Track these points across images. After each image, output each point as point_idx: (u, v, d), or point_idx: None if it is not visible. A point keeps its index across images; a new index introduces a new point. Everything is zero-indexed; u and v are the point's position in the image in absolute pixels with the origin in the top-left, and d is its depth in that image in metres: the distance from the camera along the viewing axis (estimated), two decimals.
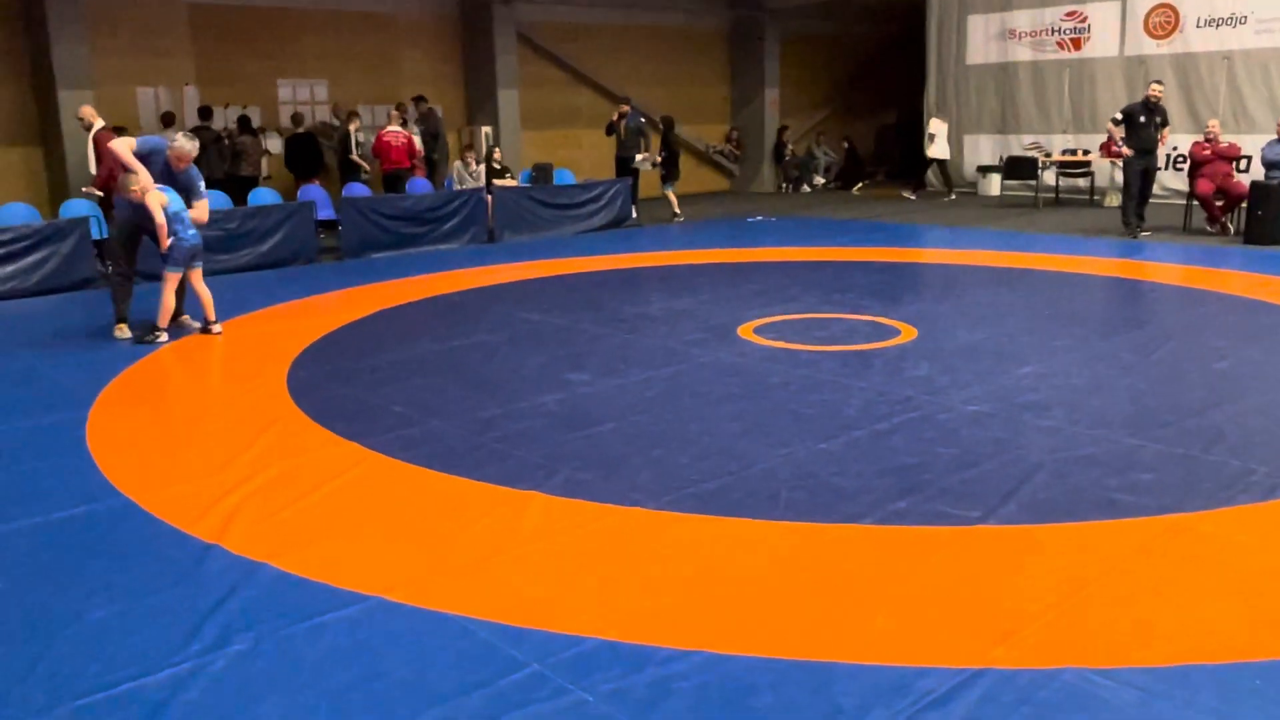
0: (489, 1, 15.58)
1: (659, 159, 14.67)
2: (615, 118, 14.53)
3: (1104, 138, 15.12)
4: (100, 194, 10.38)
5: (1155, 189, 12.71)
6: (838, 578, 3.48)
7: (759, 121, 19.77)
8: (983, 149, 17.80)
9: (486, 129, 15.52)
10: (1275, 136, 11.67)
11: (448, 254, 11.65)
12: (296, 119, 13.86)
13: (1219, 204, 11.92)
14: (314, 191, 12.60)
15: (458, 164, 13.76)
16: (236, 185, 12.49)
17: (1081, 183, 16.07)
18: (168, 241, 7.16)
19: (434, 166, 14.32)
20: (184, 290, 7.59)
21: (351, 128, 13.64)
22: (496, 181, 13.35)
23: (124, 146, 7.32)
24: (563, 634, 3.11)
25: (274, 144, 14.19)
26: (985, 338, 6.94)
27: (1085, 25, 16.32)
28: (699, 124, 19.32)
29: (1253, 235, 11.10)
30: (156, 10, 13.26)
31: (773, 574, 3.51)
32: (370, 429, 5.13)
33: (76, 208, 10.38)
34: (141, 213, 7.18)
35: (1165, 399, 5.44)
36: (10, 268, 9.22)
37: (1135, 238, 11.77)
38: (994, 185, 16.88)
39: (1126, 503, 4.01)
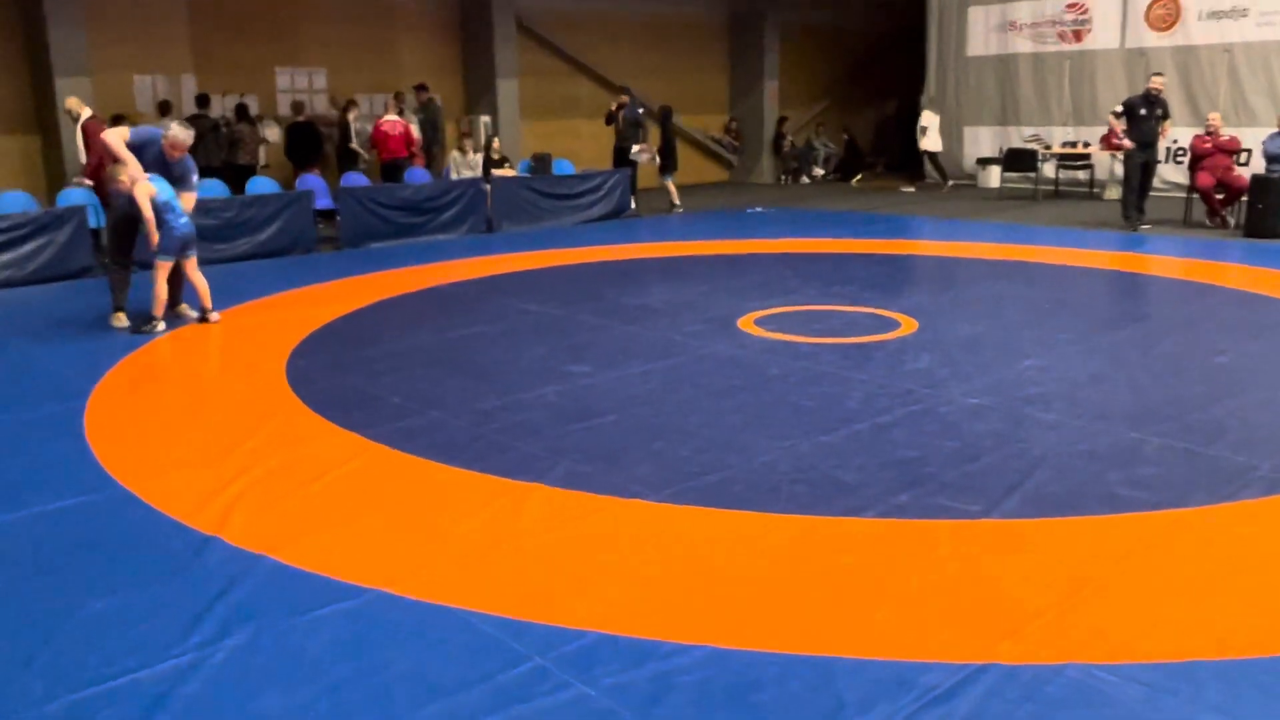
0: None
1: (654, 152, 14.59)
2: (614, 108, 14.48)
3: (1104, 130, 15.08)
4: (90, 183, 10.34)
5: (1155, 182, 12.68)
6: (839, 571, 3.47)
7: (758, 112, 19.73)
8: (982, 141, 17.76)
9: (485, 118, 15.46)
10: (1276, 129, 11.65)
11: (446, 244, 11.61)
12: (297, 107, 13.79)
13: (1219, 197, 11.90)
14: (312, 181, 12.55)
15: (454, 153, 13.72)
16: (234, 174, 12.44)
17: (1081, 175, 16.05)
18: (156, 235, 7.12)
19: (433, 156, 14.27)
20: (180, 279, 7.55)
21: (350, 116, 13.58)
22: (495, 171, 13.31)
23: (116, 137, 7.28)
24: (564, 627, 3.09)
25: (272, 132, 14.13)
26: (986, 331, 6.93)
27: (1086, 17, 16.29)
28: (698, 114, 19.27)
29: (1253, 229, 11.08)
30: None
31: (774, 567, 3.50)
32: (370, 420, 5.11)
33: (73, 196, 10.32)
34: (136, 203, 7.14)
35: (1167, 393, 5.42)
36: (7, 256, 9.18)
37: (1135, 231, 11.75)
38: (993, 177, 16.85)
39: (1129, 497, 4.00)
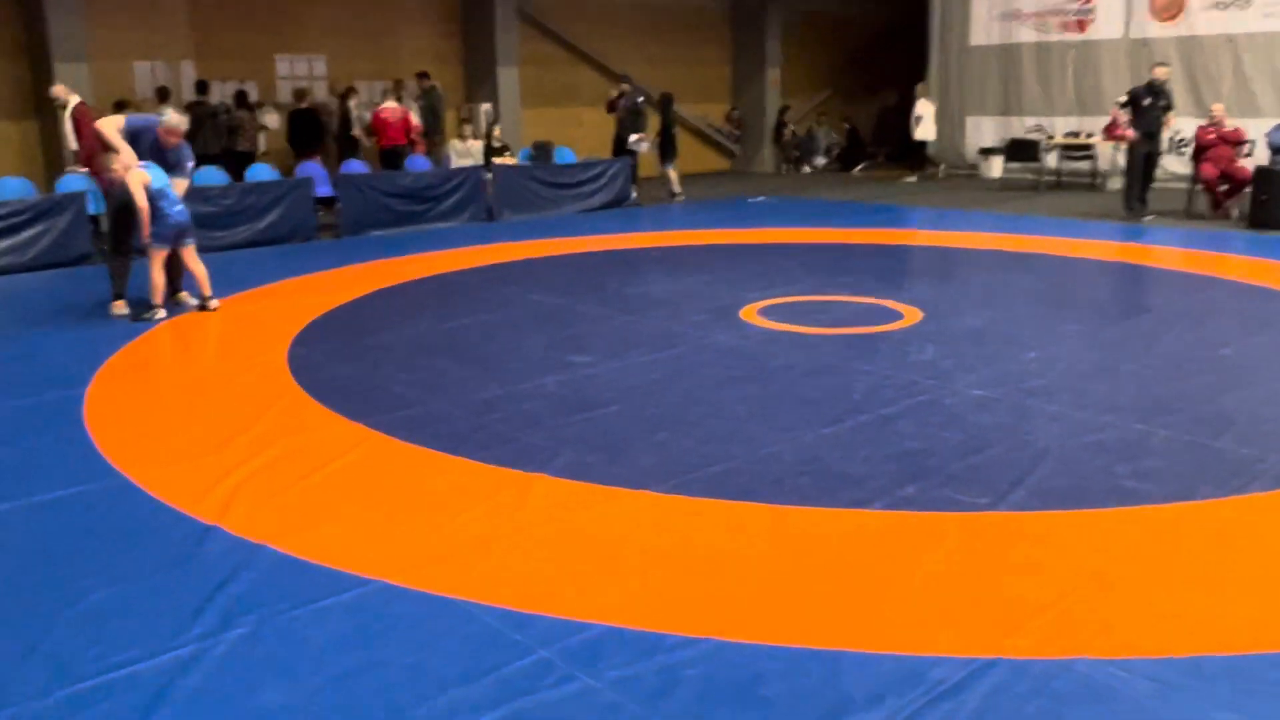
0: None
1: (650, 141, 14.51)
2: (615, 95, 14.41)
3: (1107, 120, 15.02)
4: (85, 170, 10.30)
5: (1158, 173, 12.63)
6: (845, 564, 3.44)
7: (760, 101, 19.65)
8: (985, 131, 17.69)
9: (486, 106, 15.39)
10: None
11: (447, 232, 11.57)
12: (300, 94, 13.71)
13: (1223, 189, 11.85)
14: (312, 168, 12.49)
15: (454, 140, 13.65)
16: (233, 161, 12.38)
17: (1083, 166, 15.98)
18: (148, 227, 7.08)
19: (433, 144, 14.21)
20: (180, 267, 7.51)
21: (351, 104, 13.52)
22: (496, 160, 13.25)
23: (110, 125, 7.23)
24: (569, 619, 3.07)
25: (271, 119, 14.06)
26: (990, 322, 6.90)
27: (1090, 7, 16.20)
28: (700, 103, 19.19)
29: (1257, 220, 11.04)
30: None
31: (780, 560, 3.47)
32: (372, 409, 5.08)
33: (73, 183, 10.28)
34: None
35: (1172, 385, 5.39)
36: (6, 243, 9.14)
37: (1138, 222, 11.71)
38: (995, 167, 16.78)
39: (1136, 490, 3.97)
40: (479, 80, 16.03)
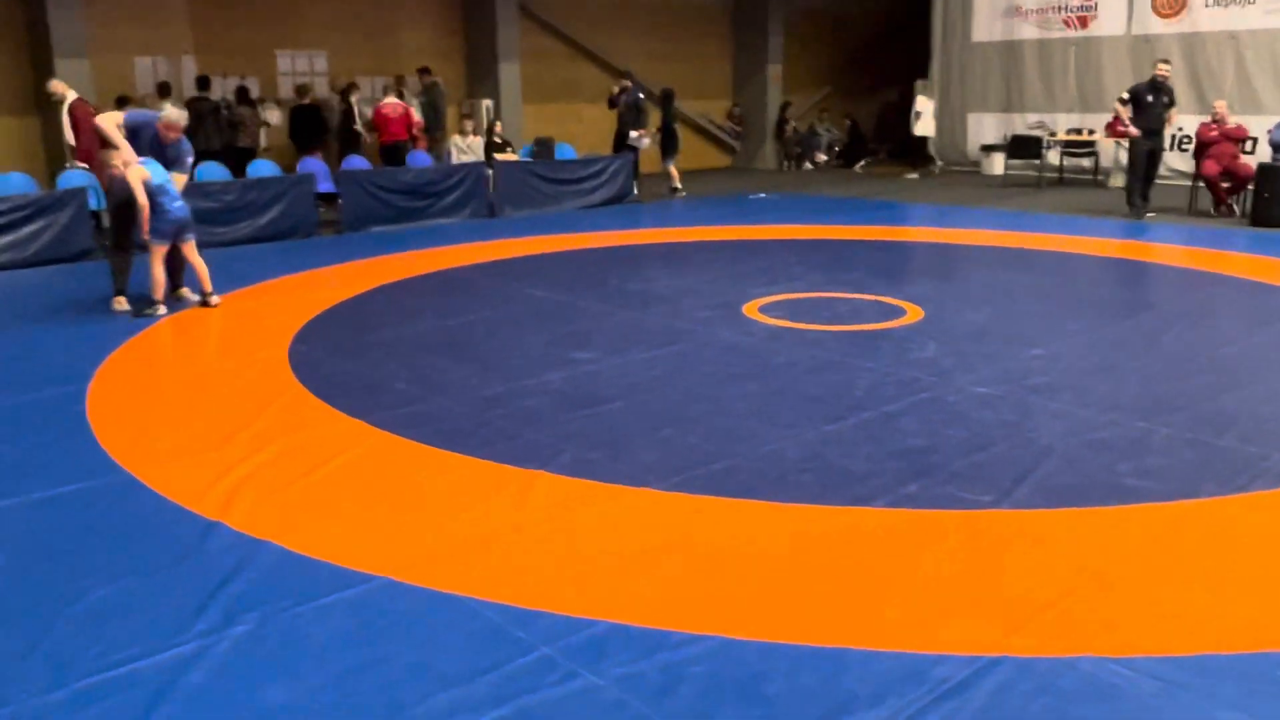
0: None
1: (650, 137, 14.47)
2: (616, 91, 14.38)
3: (1109, 117, 15.00)
4: (85, 166, 10.29)
5: (1160, 170, 12.60)
6: (849, 561, 3.44)
7: (762, 97, 19.62)
8: (986, 127, 17.67)
9: (487, 102, 15.37)
10: None
11: (448, 228, 11.55)
12: (302, 90, 13.69)
13: (1225, 186, 11.84)
14: (313, 164, 12.48)
15: (455, 136, 13.63)
16: (234, 157, 12.37)
17: (1085, 163, 15.97)
18: (148, 223, 7.06)
19: (434, 140, 14.18)
20: (181, 263, 7.50)
21: (353, 99, 13.51)
22: (497, 155, 13.24)
23: (109, 121, 7.22)
24: (572, 616, 3.06)
25: (273, 115, 14.05)
26: (992, 319, 6.89)
27: (1092, 4, 16.17)
28: (701, 99, 19.16)
29: (1259, 217, 11.03)
30: None
31: (783, 557, 3.47)
32: (374, 405, 5.08)
33: (74, 178, 10.26)
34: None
35: (1175, 383, 5.39)
36: (7, 238, 9.12)
37: (1140, 219, 11.69)
38: (997, 164, 16.76)
39: (1139, 488, 3.97)
40: (480, 76, 16.01)
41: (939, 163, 17.50)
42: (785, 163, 19.66)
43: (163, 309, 7.23)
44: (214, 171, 11.35)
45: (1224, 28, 14.75)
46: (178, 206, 7.23)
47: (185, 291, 7.62)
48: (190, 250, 7.38)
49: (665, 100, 14.70)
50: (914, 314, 6.97)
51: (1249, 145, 12.56)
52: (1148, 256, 9.64)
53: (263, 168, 11.91)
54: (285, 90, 14.34)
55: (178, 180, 7.36)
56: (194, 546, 3.58)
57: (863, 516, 3.77)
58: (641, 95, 14.50)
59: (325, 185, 12.10)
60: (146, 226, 7.10)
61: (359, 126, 13.44)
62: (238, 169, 11.82)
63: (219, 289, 7.63)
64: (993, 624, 3.00)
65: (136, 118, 7.39)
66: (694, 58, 19.00)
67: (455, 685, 2.73)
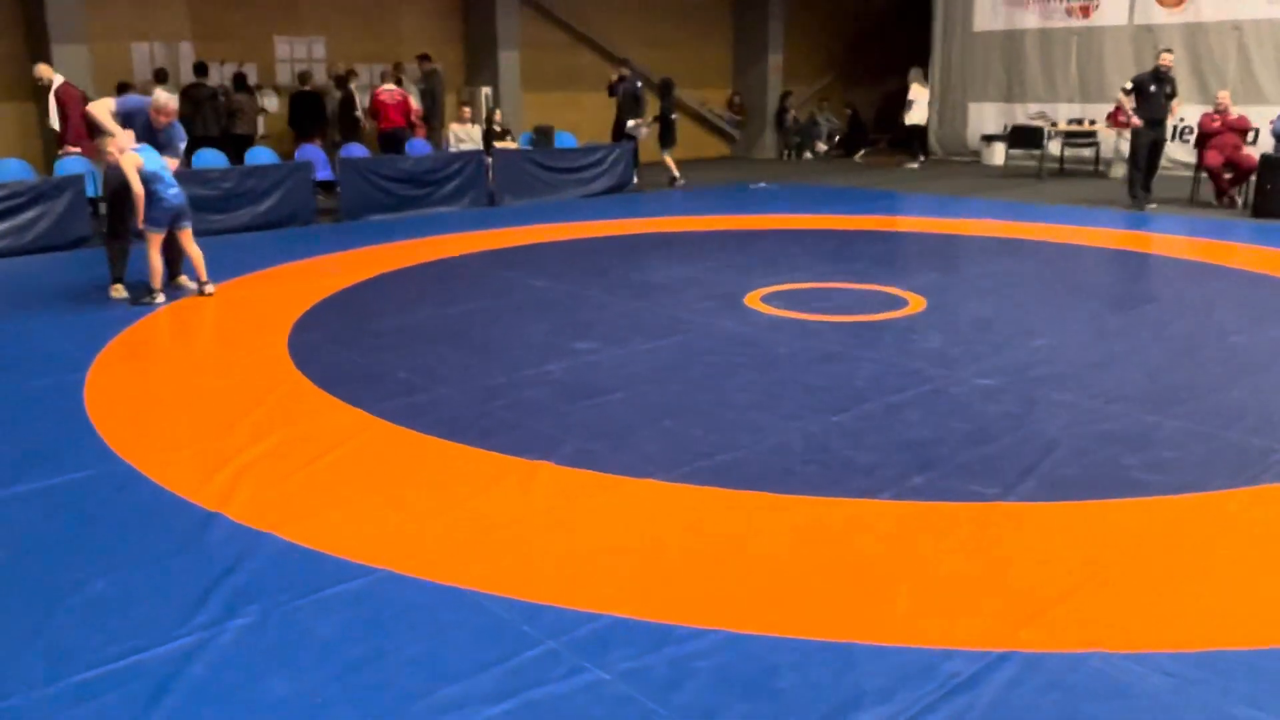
0: None
1: (648, 126, 14.40)
2: (615, 79, 14.31)
3: (1111, 107, 14.95)
4: (77, 150, 10.22)
5: (1161, 160, 12.55)
6: (856, 554, 3.41)
7: (762, 86, 19.54)
8: (987, 117, 17.62)
9: (486, 90, 15.30)
10: None
11: (447, 217, 11.50)
12: (304, 77, 13.61)
13: (1228, 176, 11.80)
14: (311, 151, 12.42)
15: (453, 124, 13.56)
16: (232, 143, 12.30)
17: (1086, 153, 15.92)
18: (143, 211, 7.00)
19: (432, 128, 14.11)
20: (179, 251, 7.45)
21: (353, 86, 13.43)
22: (497, 144, 13.17)
23: (102, 108, 7.16)
24: (577, 610, 3.03)
25: (270, 102, 13.97)
26: (995, 310, 6.85)
27: None
28: (701, 88, 19.08)
29: (1261, 208, 11.00)
30: None
31: (789, 550, 3.44)
32: (375, 395, 5.04)
33: (71, 165, 10.20)
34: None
35: (1181, 375, 5.36)
36: (4, 225, 9.06)
37: (1142, 210, 11.65)
38: (998, 154, 16.73)
39: (1147, 481, 3.94)
40: (479, 63, 15.92)
41: (933, 152, 17.38)
42: (785, 152, 19.60)
43: (161, 297, 7.18)
44: (212, 158, 11.29)
45: (1227, 17, 14.70)
46: (173, 194, 7.16)
47: (184, 280, 7.57)
48: (187, 238, 7.33)
49: (664, 90, 14.63)
50: (916, 304, 6.94)
51: (1249, 135, 12.51)
52: (1150, 248, 9.60)
53: (261, 155, 11.85)
54: (283, 77, 14.26)
55: (170, 165, 7.29)
56: (194, 537, 3.54)
57: (868, 509, 3.74)
58: (640, 84, 14.42)
59: (324, 173, 12.05)
60: (142, 213, 7.05)
61: (360, 113, 13.37)
62: (236, 156, 11.75)
63: (217, 277, 7.58)
64: (1002, 618, 2.97)
65: (128, 104, 7.33)
66: (694, 46, 18.92)
67: (460, 679, 2.70)
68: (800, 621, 2.98)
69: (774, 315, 6.67)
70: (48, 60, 11.20)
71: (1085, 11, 16.24)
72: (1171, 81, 11.74)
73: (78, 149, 10.30)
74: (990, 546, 3.45)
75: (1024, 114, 16.77)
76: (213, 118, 12.51)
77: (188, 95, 12.40)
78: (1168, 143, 13.13)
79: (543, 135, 14.12)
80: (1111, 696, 2.60)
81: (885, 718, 2.53)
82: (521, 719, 2.54)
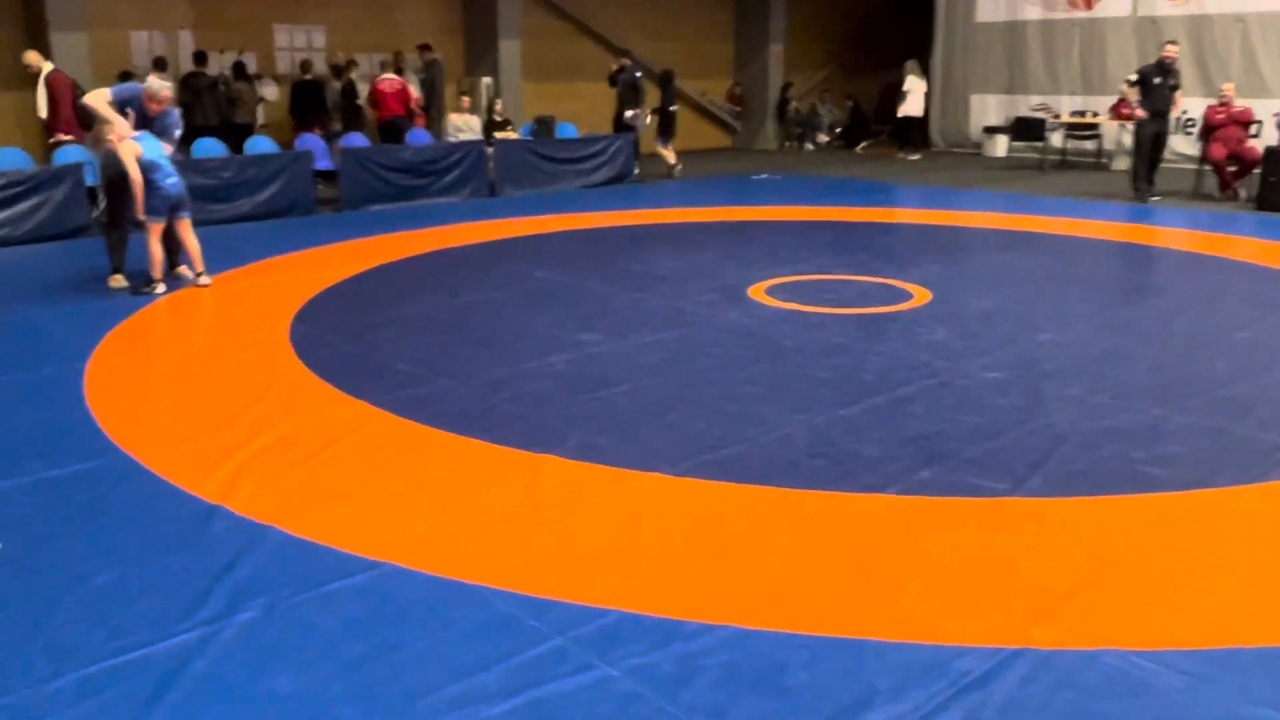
0: None
1: (647, 118, 14.32)
2: (615, 69, 14.24)
3: (1113, 100, 14.89)
4: (69, 138, 10.16)
5: (1164, 153, 12.50)
6: (864, 550, 3.37)
7: (763, 77, 19.45)
8: (989, 109, 17.55)
9: (487, 80, 15.22)
10: None
11: (448, 207, 11.44)
12: (305, 65, 13.53)
13: (1232, 169, 11.75)
14: (311, 141, 12.35)
15: (452, 114, 13.48)
16: (232, 133, 12.23)
17: (1089, 145, 15.86)
18: (142, 200, 6.95)
19: (431, 118, 14.04)
20: (177, 241, 7.39)
21: (353, 75, 13.36)
22: (498, 134, 13.10)
23: (99, 99, 7.10)
24: (584, 605, 3.00)
25: (270, 91, 13.89)
26: (1000, 303, 6.82)
27: None
28: (703, 79, 19.00)
29: (1265, 202, 10.95)
30: None
31: (797, 545, 3.41)
32: (377, 387, 5.00)
33: (70, 154, 10.14)
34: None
35: (1188, 369, 5.32)
36: (2, 214, 9.01)
37: (1145, 202, 11.61)
38: (999, 146, 16.67)
39: (1157, 476, 3.91)
40: (480, 53, 15.84)
41: (934, 144, 17.31)
42: (786, 143, 19.53)
43: (161, 287, 7.14)
44: (211, 148, 11.22)
45: (1231, 10, 14.63)
46: (172, 183, 7.11)
47: (183, 269, 7.53)
48: (185, 228, 7.27)
49: (664, 81, 14.55)
50: (921, 297, 6.90)
51: (1254, 129, 12.46)
52: (1154, 240, 9.56)
53: (260, 144, 11.78)
54: (283, 66, 14.18)
55: (165, 151, 7.23)
56: (196, 531, 3.51)
57: (876, 503, 3.71)
58: (639, 74, 14.34)
59: (324, 163, 11.99)
60: (141, 202, 6.99)
61: (361, 101, 13.30)
62: (235, 145, 11.69)
63: (217, 267, 7.54)
64: (1013, 615, 2.95)
65: (124, 92, 7.27)
66: (696, 36, 18.83)
67: (466, 676, 2.67)
68: (809, 617, 2.95)
69: (778, 307, 6.63)
70: (47, 48, 11.13)
71: (1088, 3, 16.16)
72: (1176, 73, 11.68)
73: (69, 137, 10.23)
74: (1000, 542, 3.43)
75: (1025, 106, 16.70)
76: (212, 107, 12.44)
77: (187, 84, 12.34)
78: (1170, 135, 13.06)
79: (544, 126, 14.06)
80: (1126, 695, 2.58)
81: (897, 716, 2.50)
82: (528, 716, 2.51)
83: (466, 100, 13.58)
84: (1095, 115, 15.64)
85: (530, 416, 4.60)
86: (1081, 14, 16.27)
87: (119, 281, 7.29)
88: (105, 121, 7.04)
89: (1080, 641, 2.80)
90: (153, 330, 6.34)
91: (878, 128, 20.39)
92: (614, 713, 2.52)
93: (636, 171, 13.91)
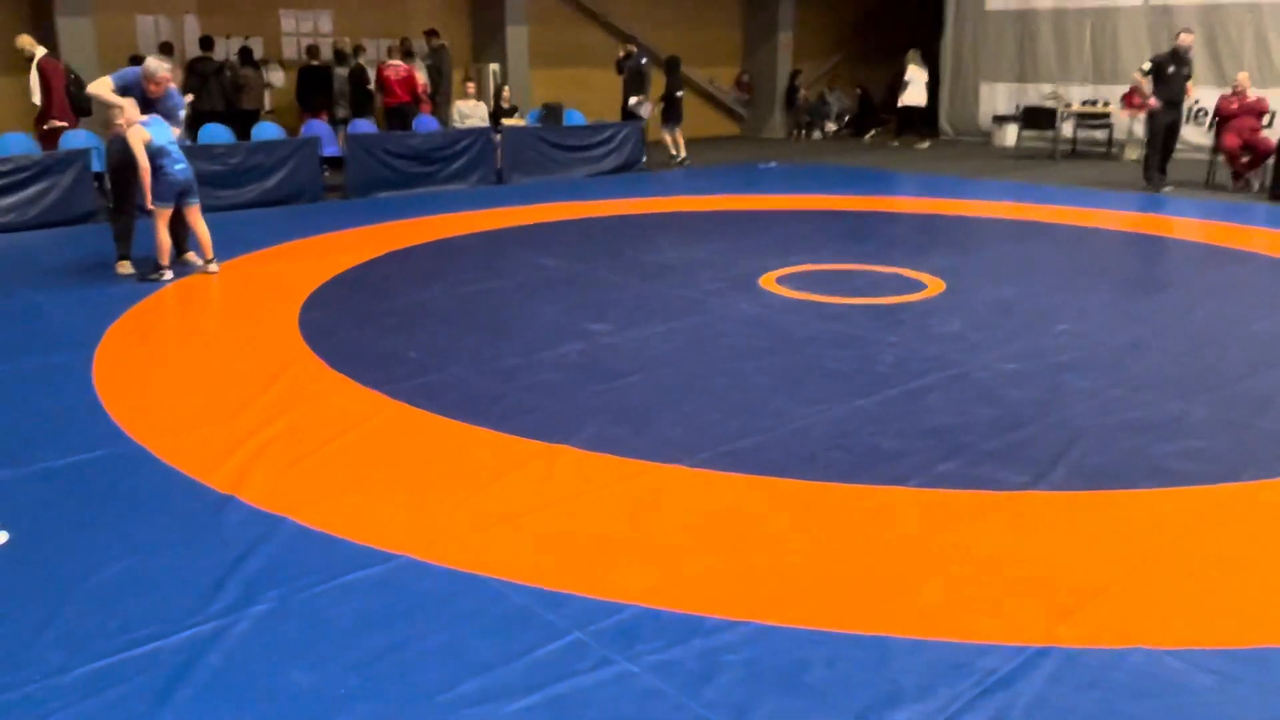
0: None
1: (651, 103, 14.22)
2: (622, 55, 14.15)
3: (1125, 89, 14.77)
4: (63, 124, 10.09)
5: (1176, 143, 12.40)
6: (885, 544, 3.33)
7: (771, 65, 19.35)
8: (999, 98, 17.44)
9: (494, 66, 15.14)
10: None
11: (456, 195, 11.38)
12: (312, 51, 13.45)
13: (1245, 160, 11.66)
14: (318, 127, 12.29)
15: (458, 101, 13.41)
16: (238, 118, 12.17)
17: (1099, 135, 15.76)
18: (149, 187, 6.89)
19: (437, 105, 13.96)
20: (186, 227, 7.34)
21: (361, 60, 13.29)
22: (505, 121, 13.03)
23: (103, 87, 7.03)
24: (603, 599, 2.96)
25: (276, 77, 13.82)
26: (1015, 293, 6.75)
27: None
28: (710, 66, 18.89)
29: (1278, 192, 10.86)
30: None
31: (817, 538, 3.36)
32: (388, 376, 4.96)
33: (76, 139, 10.09)
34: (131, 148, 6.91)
35: (1207, 361, 5.27)
36: (9, 200, 8.97)
37: (1157, 192, 11.52)
38: (1010, 135, 16.56)
39: (1179, 470, 3.86)
40: (487, 39, 15.75)
41: (943, 133, 17.20)
42: (794, 132, 19.43)
43: (168, 274, 7.10)
44: (218, 134, 11.17)
45: None
46: (179, 169, 7.05)
47: (191, 256, 7.49)
48: (193, 215, 7.21)
49: (670, 68, 14.45)
50: (935, 287, 6.84)
51: (1267, 119, 12.36)
52: (1168, 231, 9.48)
53: (267, 130, 11.71)
54: (289, 51, 14.10)
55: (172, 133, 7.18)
56: (208, 521, 3.47)
57: (896, 496, 3.66)
58: (645, 60, 14.24)
59: (331, 149, 11.93)
60: (148, 190, 6.94)
61: (372, 87, 13.22)
62: (242, 131, 11.62)
63: (225, 253, 7.49)
64: (1038, 612, 2.90)
65: (124, 78, 7.19)
66: (703, 23, 18.72)
67: (484, 671, 2.63)
68: (831, 613, 2.90)
69: (790, 297, 6.58)
70: (53, 33, 11.07)
71: None
72: (1189, 62, 11.58)
73: (63, 123, 10.16)
74: (1023, 536, 3.38)
75: (1036, 95, 16.59)
76: (218, 92, 12.38)
77: (193, 69, 12.28)
78: (1182, 125, 12.96)
79: (551, 112, 13.97)
80: (1154, 695, 2.53)
81: (924, 715, 2.46)
82: (548, 713, 2.47)
83: (471, 86, 13.50)
84: (1106, 105, 15.53)
85: (544, 406, 4.56)
86: (1093, 3, 16.14)
87: (125, 268, 7.25)
88: (113, 106, 6.98)
89: (1107, 640, 2.76)
90: (162, 317, 6.30)
91: (886, 116, 20.27)
92: (635, 710, 2.48)
93: (645, 160, 13.83)
